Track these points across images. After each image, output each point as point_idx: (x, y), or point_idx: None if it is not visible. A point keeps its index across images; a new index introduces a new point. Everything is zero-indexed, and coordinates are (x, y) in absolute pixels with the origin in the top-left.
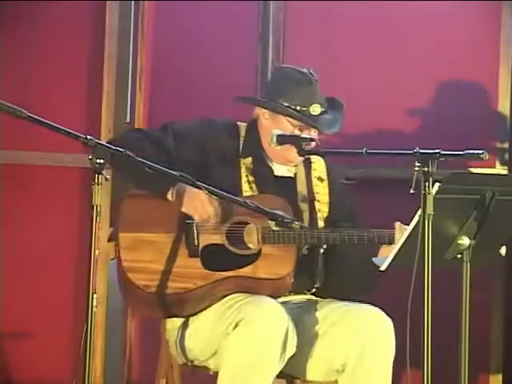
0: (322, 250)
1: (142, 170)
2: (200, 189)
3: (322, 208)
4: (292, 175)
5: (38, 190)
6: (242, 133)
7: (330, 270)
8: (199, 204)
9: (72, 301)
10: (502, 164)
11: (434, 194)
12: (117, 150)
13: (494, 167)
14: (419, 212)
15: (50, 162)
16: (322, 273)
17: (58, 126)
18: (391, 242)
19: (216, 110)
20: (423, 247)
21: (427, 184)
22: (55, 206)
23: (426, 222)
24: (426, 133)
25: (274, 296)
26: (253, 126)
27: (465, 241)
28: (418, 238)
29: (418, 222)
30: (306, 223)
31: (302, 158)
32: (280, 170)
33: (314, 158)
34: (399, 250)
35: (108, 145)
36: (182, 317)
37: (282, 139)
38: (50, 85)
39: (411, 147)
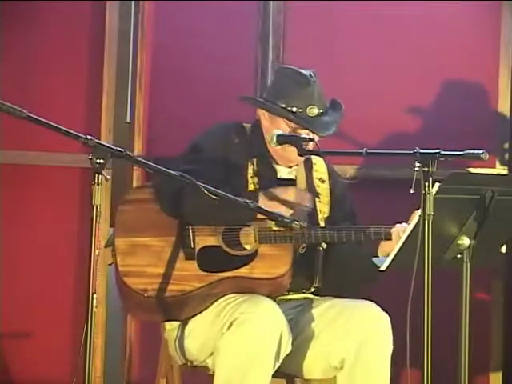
0: (321, 250)
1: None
2: (200, 189)
3: (323, 209)
4: (293, 177)
5: (38, 189)
6: (248, 134)
7: (329, 270)
8: (300, 197)
9: (72, 301)
10: (502, 164)
11: (433, 194)
12: (117, 150)
13: (494, 167)
14: (419, 212)
15: (50, 162)
16: (321, 273)
17: (58, 125)
18: (388, 237)
19: (216, 110)
20: (423, 247)
21: (427, 184)
22: (55, 206)
23: (426, 222)
24: (426, 133)
25: (273, 296)
26: (256, 126)
27: (465, 241)
28: (418, 238)
29: (418, 222)
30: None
31: (302, 159)
32: (283, 171)
33: (315, 159)
34: (399, 250)
35: (108, 145)
36: (182, 319)
37: (282, 139)
38: (50, 85)
39: (411, 147)
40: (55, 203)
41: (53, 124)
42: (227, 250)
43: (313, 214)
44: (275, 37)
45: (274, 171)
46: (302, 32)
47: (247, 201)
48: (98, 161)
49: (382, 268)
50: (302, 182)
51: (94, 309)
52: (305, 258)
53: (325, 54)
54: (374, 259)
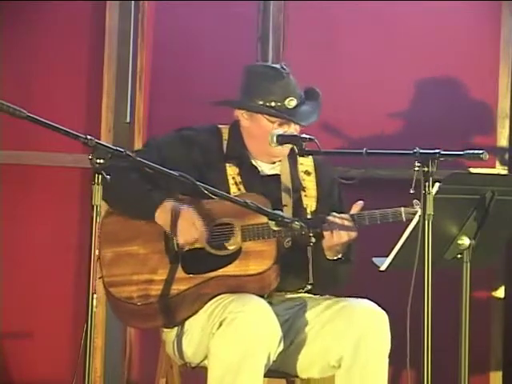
0: (311, 246)
1: (128, 195)
2: (200, 189)
3: (310, 202)
4: (278, 172)
5: (38, 189)
6: (225, 136)
7: (319, 265)
8: (186, 227)
9: (72, 301)
10: (502, 164)
11: (434, 193)
12: (117, 150)
13: (494, 167)
14: (419, 212)
15: (50, 162)
16: (313, 269)
17: (58, 125)
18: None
19: (216, 110)
20: (423, 247)
21: (427, 184)
22: (55, 206)
23: (426, 222)
24: (426, 133)
25: (263, 293)
26: (235, 127)
27: (465, 241)
28: (418, 238)
29: (418, 222)
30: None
31: (286, 152)
32: (266, 168)
33: None
34: (399, 250)
35: (108, 145)
36: (175, 324)
37: (282, 139)
38: (50, 85)
39: (411, 147)
40: (55, 203)
41: (53, 124)
42: (211, 251)
43: (299, 209)
44: (275, 37)
45: (256, 169)
46: (302, 32)
47: (247, 201)
48: (97, 161)
49: (382, 268)
50: (286, 177)
51: (94, 309)
52: (295, 255)
53: (325, 54)
54: (374, 259)
